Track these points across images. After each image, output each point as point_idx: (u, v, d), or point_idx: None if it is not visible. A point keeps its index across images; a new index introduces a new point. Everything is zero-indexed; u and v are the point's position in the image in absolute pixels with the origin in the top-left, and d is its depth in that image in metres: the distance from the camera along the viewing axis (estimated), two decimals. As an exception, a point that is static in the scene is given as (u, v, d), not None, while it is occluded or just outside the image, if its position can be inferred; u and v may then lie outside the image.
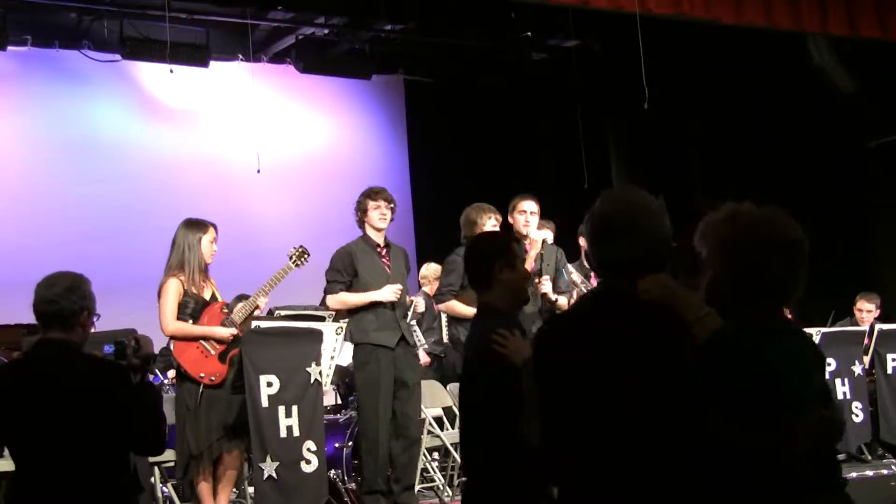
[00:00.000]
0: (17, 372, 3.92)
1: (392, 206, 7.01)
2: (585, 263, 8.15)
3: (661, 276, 2.81)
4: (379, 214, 6.93)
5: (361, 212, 6.99)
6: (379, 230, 6.97)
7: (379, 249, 6.97)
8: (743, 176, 11.44)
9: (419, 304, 7.23)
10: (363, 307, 6.86)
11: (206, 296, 6.36)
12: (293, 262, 6.67)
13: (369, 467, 6.72)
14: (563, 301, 7.32)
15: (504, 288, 3.77)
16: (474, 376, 3.68)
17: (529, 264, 7.15)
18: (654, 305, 2.76)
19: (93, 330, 7.08)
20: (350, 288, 6.92)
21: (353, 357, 6.93)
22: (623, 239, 2.87)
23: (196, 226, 6.37)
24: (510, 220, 7.40)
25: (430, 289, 9.26)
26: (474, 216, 7.70)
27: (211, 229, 6.39)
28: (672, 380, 2.66)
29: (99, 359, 3.98)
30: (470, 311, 7.62)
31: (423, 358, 8.29)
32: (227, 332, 6.27)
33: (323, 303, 7.83)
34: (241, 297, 6.88)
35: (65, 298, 3.87)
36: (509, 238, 4.10)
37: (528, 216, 7.29)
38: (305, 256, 6.74)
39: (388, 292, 6.80)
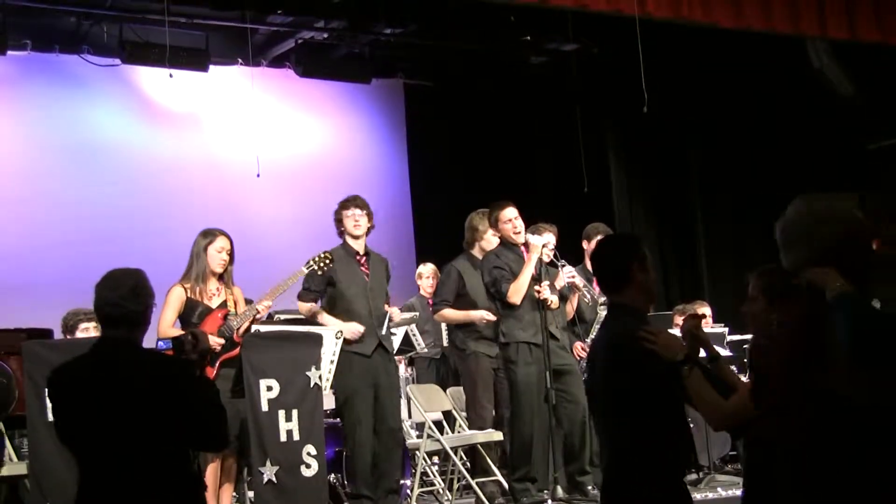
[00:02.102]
0: (80, 370, 3.89)
1: (366, 211, 7.01)
2: (588, 267, 8.18)
3: (822, 269, 3.00)
4: (353, 222, 6.98)
5: (338, 222, 7.05)
6: (356, 237, 7.00)
7: (358, 258, 6.99)
8: (742, 179, 11.46)
9: (395, 313, 7.25)
10: (341, 316, 6.89)
11: (216, 303, 6.43)
12: (306, 266, 6.70)
13: (355, 472, 6.75)
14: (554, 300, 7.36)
15: (637, 289, 3.76)
16: (622, 375, 3.67)
17: (529, 269, 7.18)
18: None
19: (97, 334, 7.14)
20: (328, 295, 6.95)
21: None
22: (800, 245, 3.09)
23: (205, 234, 6.54)
24: (494, 233, 7.41)
25: (426, 287, 9.26)
26: (476, 222, 7.76)
27: (220, 238, 6.50)
28: None
29: (161, 355, 3.97)
30: (463, 315, 7.66)
31: (401, 369, 8.28)
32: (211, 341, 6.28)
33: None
34: (245, 302, 6.91)
35: (130, 300, 3.83)
36: (640, 239, 4.12)
37: (514, 222, 7.33)
38: (327, 261, 6.76)
39: (350, 332, 6.80)
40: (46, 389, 4.02)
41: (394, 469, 6.91)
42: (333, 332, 6.71)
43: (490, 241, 7.64)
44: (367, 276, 6.98)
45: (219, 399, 3.98)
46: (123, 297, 3.82)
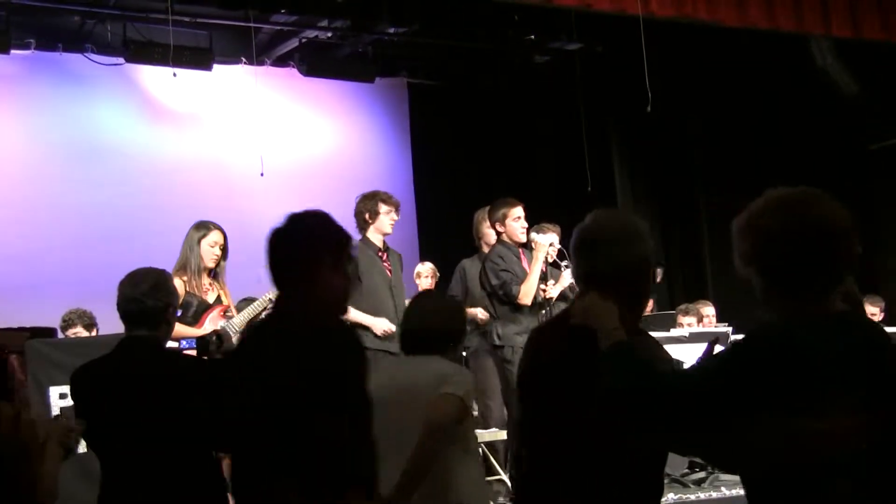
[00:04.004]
0: (102, 370, 3.89)
1: (399, 213, 7.07)
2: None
3: (593, 295, 2.93)
4: (390, 220, 6.96)
5: (370, 213, 6.96)
6: (386, 234, 6.99)
7: (380, 254, 6.98)
8: (745, 178, 11.44)
9: None
10: (367, 312, 6.87)
11: (211, 298, 6.36)
12: None
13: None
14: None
15: None
16: None
17: (537, 269, 7.17)
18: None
19: (95, 333, 7.15)
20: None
21: None
22: (592, 257, 3.06)
23: (198, 227, 6.42)
24: (500, 229, 7.39)
25: (424, 286, 9.26)
26: (480, 219, 7.78)
27: (213, 232, 6.40)
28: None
29: (185, 355, 3.98)
30: (470, 312, 7.68)
31: None
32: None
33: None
34: (247, 300, 6.88)
35: (150, 297, 3.84)
36: None
37: (522, 221, 7.33)
38: None
39: (379, 327, 6.80)
40: (69, 388, 4.02)
41: None
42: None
43: (490, 235, 7.68)
44: (390, 272, 6.97)
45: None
46: (143, 293, 3.83)
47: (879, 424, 2.44)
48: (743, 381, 2.45)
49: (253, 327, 3.72)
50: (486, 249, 7.76)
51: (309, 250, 3.23)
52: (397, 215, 7.03)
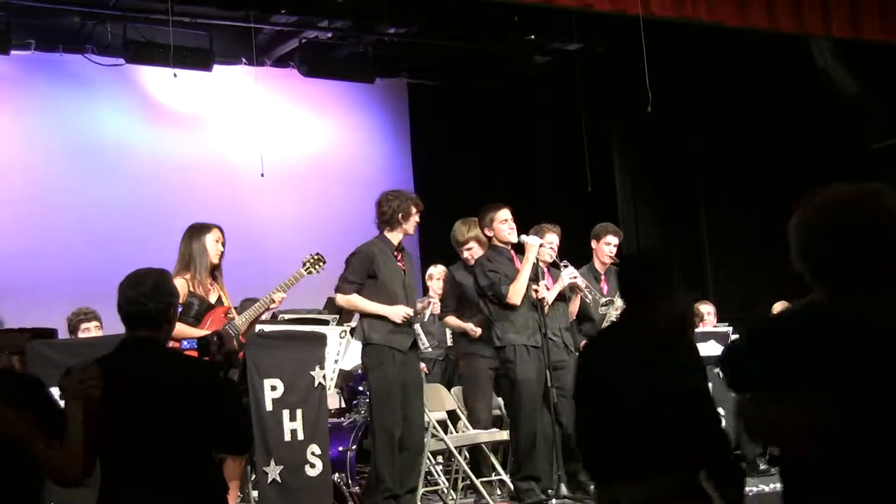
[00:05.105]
0: (104, 371, 3.89)
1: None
2: (597, 266, 8.19)
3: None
4: (415, 225, 7.03)
5: (403, 214, 6.99)
6: (408, 235, 7.06)
7: (395, 253, 7.01)
8: (745, 178, 11.44)
9: (435, 306, 7.47)
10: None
11: (213, 298, 6.35)
12: (305, 269, 6.66)
13: (387, 469, 6.69)
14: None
15: None
16: None
17: (527, 269, 7.19)
18: None
19: (99, 333, 7.14)
20: (366, 288, 6.92)
21: (366, 357, 6.91)
22: None
23: (200, 228, 6.41)
24: (489, 233, 7.44)
25: (436, 288, 9.27)
26: (455, 231, 7.89)
27: (215, 230, 6.42)
28: None
29: (186, 356, 3.96)
30: (458, 324, 7.75)
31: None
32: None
33: (327, 306, 7.83)
34: (248, 301, 6.88)
35: (152, 299, 3.81)
36: None
37: (510, 223, 7.38)
38: (321, 264, 6.72)
39: (397, 314, 6.81)
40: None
41: (418, 467, 6.92)
42: (338, 332, 6.71)
43: (464, 250, 7.80)
44: (404, 272, 7.01)
45: (242, 401, 3.98)
46: (145, 294, 3.80)
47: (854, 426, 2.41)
48: (740, 362, 2.63)
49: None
50: (468, 259, 7.83)
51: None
52: (420, 220, 7.10)
